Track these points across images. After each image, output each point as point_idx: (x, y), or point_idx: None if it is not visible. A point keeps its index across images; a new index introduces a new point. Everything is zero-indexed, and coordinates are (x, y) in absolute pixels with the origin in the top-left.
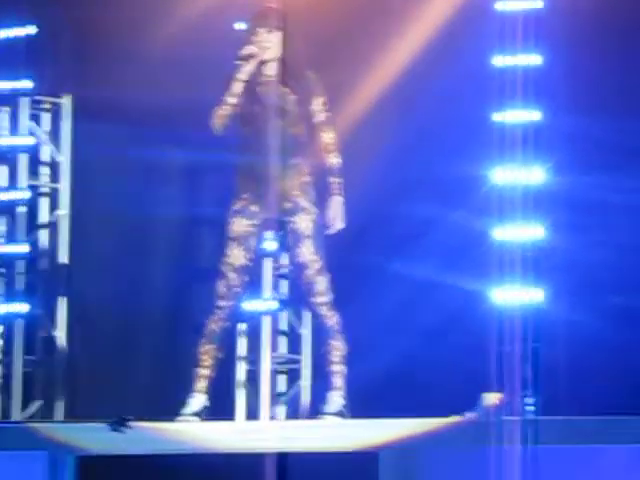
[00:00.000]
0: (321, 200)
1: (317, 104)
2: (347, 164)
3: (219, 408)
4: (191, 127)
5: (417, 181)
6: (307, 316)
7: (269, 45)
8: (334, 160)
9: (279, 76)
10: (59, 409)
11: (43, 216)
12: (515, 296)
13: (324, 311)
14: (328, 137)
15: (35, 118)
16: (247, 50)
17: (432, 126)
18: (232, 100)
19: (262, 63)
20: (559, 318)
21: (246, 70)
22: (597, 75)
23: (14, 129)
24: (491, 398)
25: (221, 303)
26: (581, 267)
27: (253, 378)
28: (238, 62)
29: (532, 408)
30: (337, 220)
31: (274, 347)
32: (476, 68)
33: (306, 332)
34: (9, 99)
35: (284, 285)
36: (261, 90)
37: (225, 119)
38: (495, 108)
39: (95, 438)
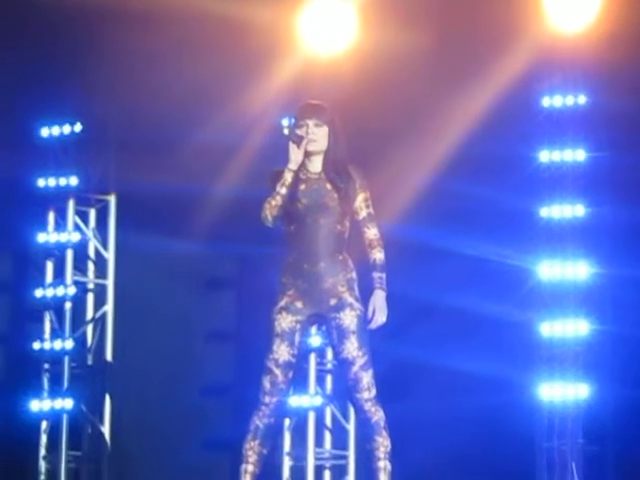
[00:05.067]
0: (363, 296)
1: (360, 200)
2: (391, 258)
3: None
4: (237, 222)
5: (464, 274)
6: (352, 411)
7: (315, 138)
8: (377, 255)
9: (323, 172)
10: None
11: (89, 312)
12: (562, 391)
13: (368, 407)
14: (372, 233)
15: (81, 214)
16: (297, 131)
17: (478, 220)
18: (283, 190)
19: (307, 154)
20: (606, 413)
21: (295, 159)
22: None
23: (60, 225)
24: None
25: (266, 399)
26: (628, 362)
27: (299, 473)
28: (287, 138)
29: None
30: (379, 314)
31: (319, 442)
32: (523, 163)
33: (351, 427)
34: (56, 196)
35: (329, 380)
36: (305, 187)
37: (277, 210)
38: (542, 202)
39: None
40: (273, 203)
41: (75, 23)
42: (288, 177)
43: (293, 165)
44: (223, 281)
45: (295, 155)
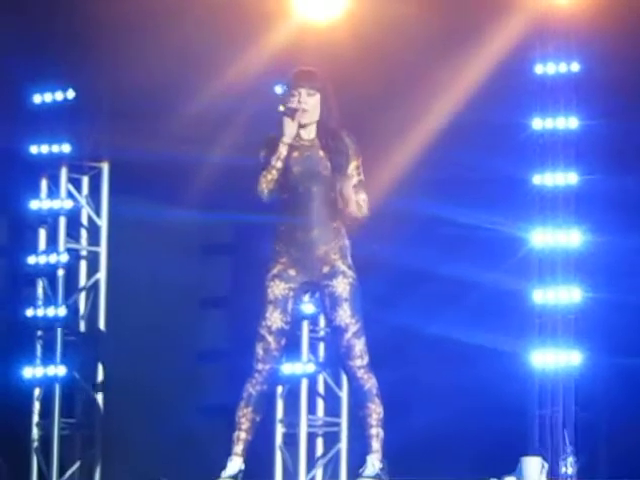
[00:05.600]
0: (356, 264)
1: (352, 168)
2: (383, 227)
3: (259, 471)
4: (230, 189)
5: (455, 242)
6: (345, 378)
7: (307, 107)
8: (364, 213)
9: (317, 139)
10: (97, 471)
11: (81, 279)
12: (554, 359)
13: (361, 374)
14: (360, 198)
15: (74, 181)
16: (291, 104)
17: (470, 188)
18: (279, 164)
19: (299, 126)
20: (598, 381)
21: (289, 132)
22: (634, 136)
23: (53, 192)
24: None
25: (259, 366)
26: (620, 330)
27: (291, 441)
28: (282, 112)
29: (571, 471)
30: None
31: (312, 410)
32: (515, 130)
33: (344, 395)
34: (49, 163)
35: (321, 348)
36: (298, 154)
37: (273, 184)
38: (534, 170)
39: None
40: (269, 177)
41: None
42: (283, 150)
43: (288, 139)
44: (217, 248)
45: (290, 128)
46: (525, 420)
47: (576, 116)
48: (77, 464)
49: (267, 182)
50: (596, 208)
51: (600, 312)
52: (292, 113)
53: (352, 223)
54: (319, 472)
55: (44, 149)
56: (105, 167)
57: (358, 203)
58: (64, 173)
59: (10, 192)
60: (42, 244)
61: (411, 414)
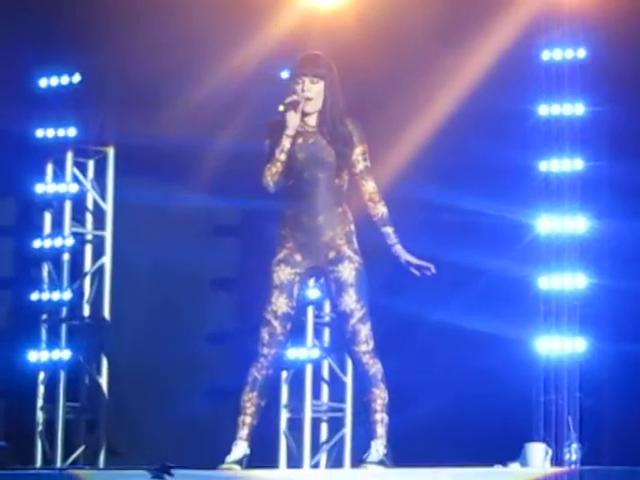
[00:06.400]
0: (362, 248)
1: (357, 153)
2: (389, 213)
3: (263, 456)
4: (236, 175)
5: (461, 229)
6: (350, 364)
7: (311, 95)
8: (382, 209)
9: (320, 127)
10: (101, 455)
11: (86, 263)
12: (559, 345)
13: (366, 359)
14: (370, 186)
15: (79, 165)
16: (291, 98)
17: (476, 175)
18: (282, 157)
19: (303, 114)
20: (603, 368)
21: (292, 124)
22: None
23: (58, 176)
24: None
25: (264, 350)
26: (625, 317)
27: (296, 426)
28: (283, 111)
29: (575, 457)
30: (425, 265)
31: (316, 395)
32: (521, 117)
33: (349, 380)
34: (54, 147)
35: (326, 333)
36: (302, 140)
37: (278, 176)
38: (540, 156)
39: None
40: (274, 170)
41: None
42: (287, 143)
43: (291, 131)
44: (224, 231)
45: (292, 121)
46: (529, 407)
47: (582, 102)
48: (82, 448)
49: (272, 175)
50: (602, 195)
51: (605, 299)
52: (295, 106)
53: (383, 221)
54: (323, 457)
55: (50, 133)
56: (111, 151)
57: (372, 198)
58: (70, 157)
59: (16, 175)
60: (47, 228)
61: (416, 400)
